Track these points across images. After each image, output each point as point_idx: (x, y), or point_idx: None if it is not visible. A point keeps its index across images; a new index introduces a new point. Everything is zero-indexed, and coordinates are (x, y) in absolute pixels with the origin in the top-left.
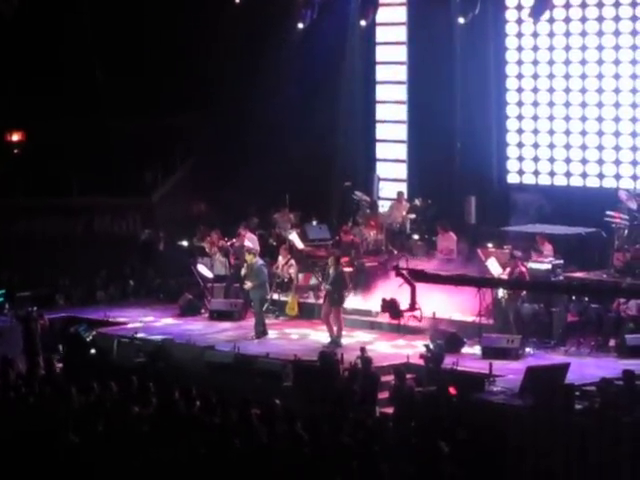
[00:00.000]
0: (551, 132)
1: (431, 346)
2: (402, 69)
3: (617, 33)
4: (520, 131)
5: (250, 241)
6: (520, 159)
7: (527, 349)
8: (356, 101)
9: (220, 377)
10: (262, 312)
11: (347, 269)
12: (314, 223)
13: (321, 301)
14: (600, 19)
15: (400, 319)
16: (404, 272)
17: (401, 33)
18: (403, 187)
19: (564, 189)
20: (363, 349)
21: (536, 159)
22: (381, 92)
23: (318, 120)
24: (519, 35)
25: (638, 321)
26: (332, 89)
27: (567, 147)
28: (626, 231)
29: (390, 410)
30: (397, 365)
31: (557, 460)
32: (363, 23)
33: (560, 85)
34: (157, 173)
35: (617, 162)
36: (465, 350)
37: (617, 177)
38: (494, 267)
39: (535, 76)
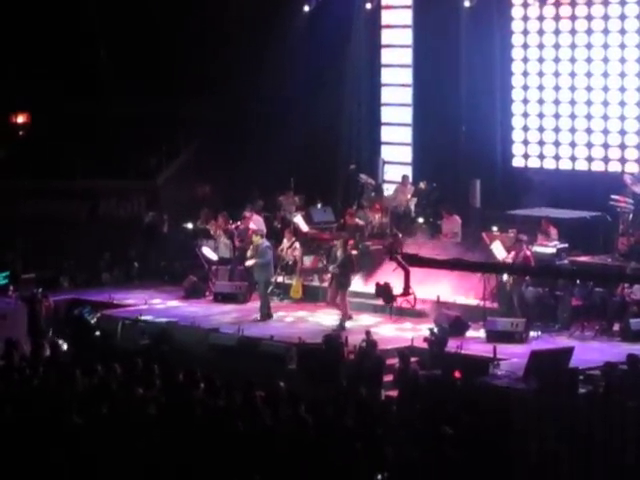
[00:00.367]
0: (556, 116)
1: (435, 330)
2: (407, 52)
3: (623, 17)
4: (525, 115)
5: (256, 223)
6: (525, 143)
7: (531, 333)
8: (361, 84)
9: (224, 360)
10: (267, 295)
11: (352, 252)
12: (319, 206)
13: (325, 284)
14: (606, 3)
15: (393, 303)
16: (398, 256)
17: (406, 16)
18: (408, 170)
19: (569, 173)
20: (368, 332)
21: (541, 143)
22: (386, 75)
23: (323, 103)
24: (525, 18)
25: None
26: (337, 72)
27: (572, 131)
28: (631, 215)
29: (394, 393)
30: (401, 348)
31: (561, 444)
32: (368, 6)
33: (566, 69)
34: (162, 156)
35: (622, 146)
36: (469, 334)
37: (622, 161)
38: (499, 251)
39: (540, 59)
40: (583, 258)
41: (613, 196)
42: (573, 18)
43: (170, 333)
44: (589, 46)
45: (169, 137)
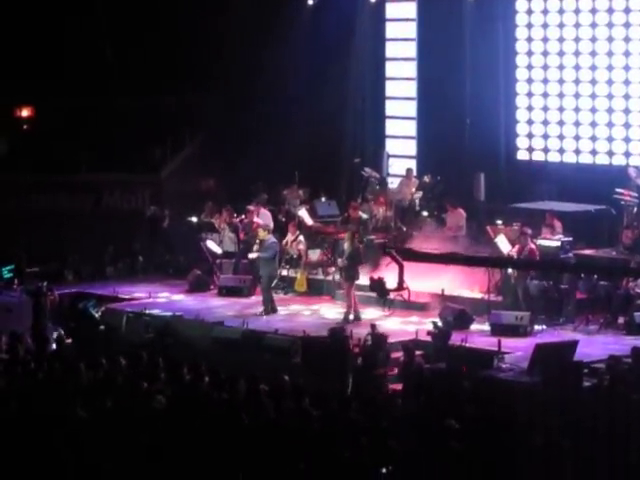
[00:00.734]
0: (561, 109)
1: (439, 323)
2: (412, 45)
3: (627, 10)
4: (530, 108)
5: (263, 217)
6: (529, 136)
7: (536, 326)
8: (366, 78)
9: (229, 353)
10: (270, 289)
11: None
12: (323, 199)
13: (330, 277)
14: None
15: (386, 298)
16: (392, 251)
17: (411, 9)
18: (412, 164)
19: (574, 166)
20: (374, 326)
21: (545, 136)
22: (391, 69)
23: (328, 97)
24: (529, 12)
25: None
26: (341, 66)
27: (576, 124)
28: (635, 208)
29: (399, 386)
30: (406, 342)
31: (566, 437)
32: None
33: (570, 62)
34: (166, 149)
35: (627, 139)
36: (474, 327)
37: (627, 154)
38: (503, 244)
39: (545, 53)
40: (588, 251)
41: (617, 189)
42: (577, 11)
43: (174, 327)
44: (593, 39)
45: (173, 130)
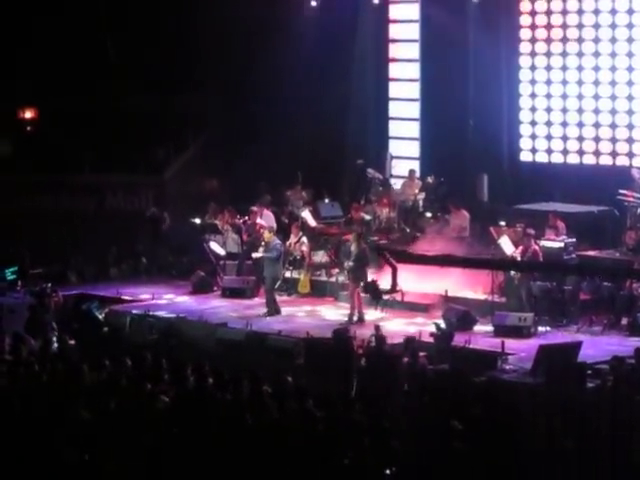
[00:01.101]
0: (564, 110)
1: (441, 324)
2: (414, 47)
3: (630, 11)
4: (533, 109)
5: (266, 218)
6: (533, 137)
7: (539, 327)
8: (369, 79)
9: (232, 354)
10: (272, 291)
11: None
12: (326, 201)
13: (333, 279)
14: None
15: (380, 301)
16: (386, 253)
17: (414, 11)
18: (415, 165)
19: (577, 167)
20: (377, 327)
21: (549, 137)
22: (393, 70)
23: (330, 98)
24: (532, 14)
25: None
26: (344, 67)
27: (580, 125)
28: (638, 209)
29: (403, 388)
30: (409, 343)
31: (570, 438)
32: (376, 1)
33: (573, 63)
34: (169, 150)
35: (630, 140)
36: (477, 328)
37: (630, 155)
38: (507, 245)
39: (548, 54)
40: (591, 252)
41: (621, 190)
42: (580, 12)
43: (178, 328)
44: (596, 40)
45: (176, 131)
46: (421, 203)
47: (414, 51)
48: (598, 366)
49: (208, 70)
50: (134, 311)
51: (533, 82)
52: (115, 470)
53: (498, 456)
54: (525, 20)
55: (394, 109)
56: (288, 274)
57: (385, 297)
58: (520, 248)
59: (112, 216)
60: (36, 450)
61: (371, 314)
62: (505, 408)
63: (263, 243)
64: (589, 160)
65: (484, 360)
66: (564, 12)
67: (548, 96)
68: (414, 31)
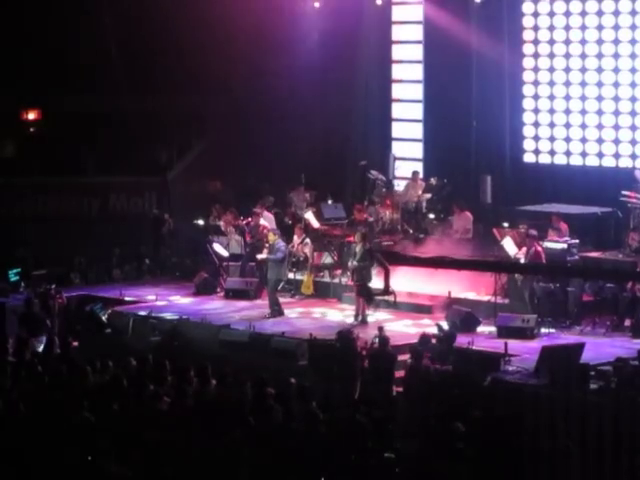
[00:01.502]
0: (567, 112)
1: (443, 326)
2: (418, 48)
3: (634, 12)
4: (536, 110)
5: (266, 220)
6: (536, 138)
7: (542, 329)
8: (372, 80)
9: (235, 356)
10: (276, 292)
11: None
12: (330, 202)
13: (336, 280)
14: None
15: (372, 303)
16: (378, 254)
17: (417, 12)
18: (419, 166)
19: (580, 169)
20: (381, 328)
21: (552, 139)
22: (397, 71)
23: (334, 99)
24: (535, 15)
25: None
26: (348, 68)
27: (583, 127)
28: None
29: (406, 389)
30: (413, 344)
31: (573, 440)
32: (379, 2)
33: (576, 64)
34: (172, 152)
35: (633, 142)
36: (480, 329)
37: (633, 157)
38: (510, 246)
39: (551, 55)
40: (594, 254)
41: (624, 192)
42: (583, 14)
43: (181, 329)
44: (600, 42)
45: (180, 133)
46: (424, 204)
47: (417, 52)
48: (601, 367)
49: (211, 72)
50: (138, 312)
51: (536, 84)
52: (118, 471)
53: (501, 458)
54: (528, 22)
55: (397, 110)
56: (291, 275)
57: (378, 298)
58: (523, 249)
59: (115, 218)
60: (39, 451)
61: (374, 316)
62: (508, 409)
63: (267, 245)
64: (592, 162)
65: (487, 361)
66: (567, 14)
67: (551, 97)
68: (417, 32)
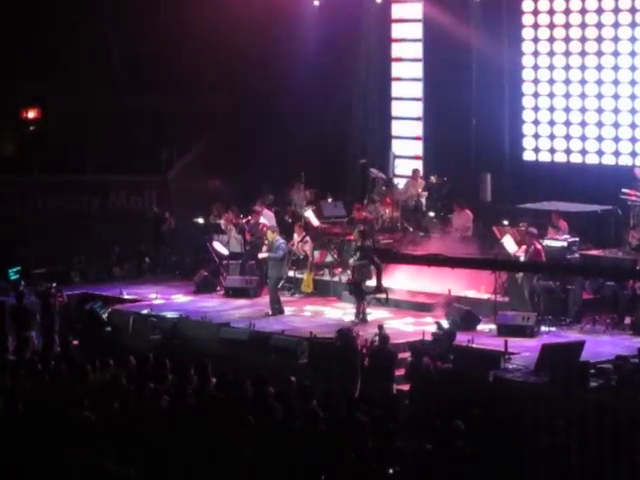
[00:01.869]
0: (567, 110)
1: (443, 324)
2: (418, 46)
3: (633, 10)
4: (536, 109)
5: (266, 218)
6: (536, 136)
7: (542, 327)
8: (372, 78)
9: (235, 354)
10: (276, 290)
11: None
12: (329, 200)
13: (336, 278)
14: None
15: (363, 301)
16: (371, 252)
17: (417, 10)
18: (419, 164)
19: (580, 167)
20: (381, 326)
21: (552, 136)
22: (397, 69)
23: (334, 97)
24: (535, 13)
25: None
26: (348, 66)
27: (583, 124)
28: None
29: (406, 387)
30: (413, 342)
31: (573, 438)
32: (379, 0)
33: (576, 62)
34: (173, 150)
35: (633, 140)
36: (480, 327)
37: (633, 155)
38: (509, 245)
39: (551, 53)
40: (594, 252)
41: (624, 189)
42: (583, 12)
43: (181, 328)
44: (599, 39)
45: (180, 131)
46: (424, 203)
47: (417, 50)
48: (601, 365)
49: (211, 70)
50: (138, 311)
51: (536, 81)
52: (118, 471)
53: (501, 456)
54: (528, 19)
55: (397, 108)
56: (291, 274)
57: (370, 296)
58: (523, 247)
59: (115, 216)
60: (39, 450)
61: (374, 314)
62: (508, 408)
63: (267, 243)
64: (592, 159)
65: (487, 360)
66: (567, 11)
67: (551, 95)
68: (417, 30)
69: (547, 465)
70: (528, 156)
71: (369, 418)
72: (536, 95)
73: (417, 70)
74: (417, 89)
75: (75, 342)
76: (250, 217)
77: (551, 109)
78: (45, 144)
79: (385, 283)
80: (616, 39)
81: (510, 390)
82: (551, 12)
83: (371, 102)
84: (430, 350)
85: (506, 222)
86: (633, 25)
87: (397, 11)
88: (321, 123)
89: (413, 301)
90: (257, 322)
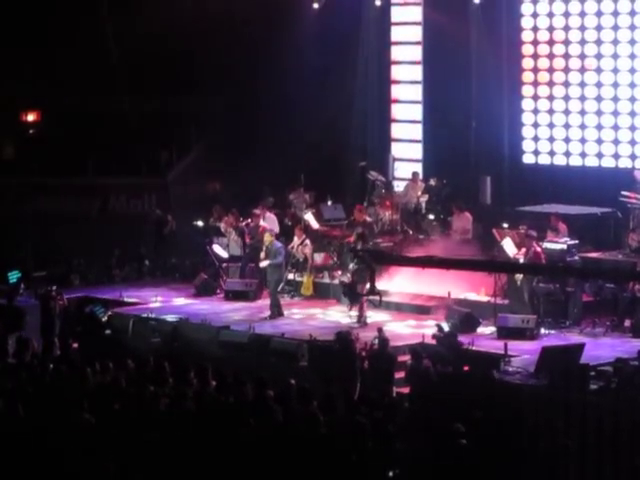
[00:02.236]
0: (567, 112)
1: (444, 326)
2: (417, 49)
3: (633, 13)
4: (535, 111)
5: (269, 221)
6: (535, 139)
7: (542, 329)
8: (371, 81)
9: (235, 357)
10: (277, 294)
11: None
12: (329, 203)
13: (336, 281)
14: None
15: (357, 303)
16: (363, 254)
17: (416, 13)
18: (418, 167)
19: (579, 169)
20: (380, 329)
21: (551, 139)
22: (396, 72)
23: (333, 100)
24: (534, 15)
25: None
26: (347, 69)
27: (582, 127)
28: None
29: (406, 390)
30: (413, 345)
31: (573, 440)
32: (378, 3)
33: (575, 65)
34: (172, 153)
35: (632, 142)
36: (480, 330)
37: (632, 157)
38: (509, 247)
39: (550, 56)
40: (594, 254)
41: (623, 192)
42: (582, 14)
43: (181, 330)
44: (599, 42)
45: (180, 134)
46: (424, 205)
47: (416, 53)
48: (601, 368)
49: (211, 73)
50: (137, 314)
51: (535, 84)
52: (118, 473)
53: (501, 458)
54: (527, 22)
55: (397, 111)
56: (291, 276)
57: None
58: (523, 250)
59: (115, 219)
60: (39, 453)
61: (374, 317)
62: (508, 410)
63: (265, 248)
64: (592, 162)
65: (487, 362)
66: (566, 14)
67: (550, 98)
68: (416, 33)
69: (547, 467)
70: (528, 159)
71: (369, 420)
72: (535, 98)
73: (417, 73)
74: (417, 92)
75: (75, 345)
76: (250, 220)
77: (550, 112)
78: (44, 147)
79: (385, 286)
80: (615, 42)
81: (510, 393)
82: (550, 15)
83: (371, 105)
84: (432, 352)
85: (506, 225)
86: (632, 28)
87: (397, 14)
88: (321, 126)
89: (413, 304)
90: (257, 325)
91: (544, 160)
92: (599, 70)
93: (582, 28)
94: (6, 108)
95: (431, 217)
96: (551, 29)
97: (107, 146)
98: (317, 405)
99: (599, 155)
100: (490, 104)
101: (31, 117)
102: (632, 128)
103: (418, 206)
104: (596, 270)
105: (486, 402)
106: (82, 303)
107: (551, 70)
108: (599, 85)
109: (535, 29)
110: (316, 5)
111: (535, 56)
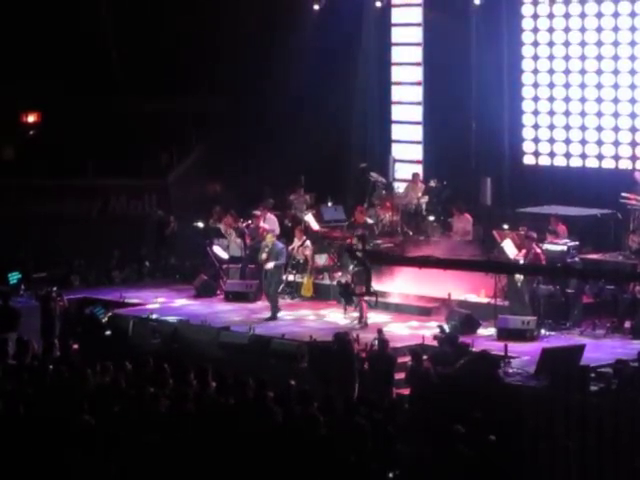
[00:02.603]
0: (567, 113)
1: (445, 327)
2: (417, 50)
3: (633, 14)
4: (536, 112)
5: (269, 222)
6: (536, 140)
7: (542, 330)
8: (372, 82)
9: (235, 358)
10: (276, 295)
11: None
12: (329, 204)
13: (336, 282)
14: (615, 0)
15: (352, 304)
16: (358, 254)
17: (417, 14)
18: (419, 168)
19: (580, 170)
20: (380, 330)
21: (552, 140)
22: (397, 73)
23: (334, 101)
24: (535, 16)
25: None
26: (347, 70)
27: (583, 128)
28: None
29: (406, 391)
30: (413, 346)
31: (573, 441)
32: (378, 4)
33: (576, 66)
34: (173, 154)
35: (633, 143)
36: (481, 331)
37: (633, 158)
38: (509, 248)
39: (551, 57)
40: (594, 256)
41: (623, 193)
42: (583, 15)
43: (181, 332)
44: (599, 44)
45: (180, 135)
46: (424, 207)
47: (417, 54)
48: (601, 369)
49: (211, 74)
50: (137, 315)
51: (536, 85)
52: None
53: (501, 459)
54: (527, 23)
55: (397, 112)
56: (291, 278)
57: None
58: (523, 251)
59: (115, 220)
60: (39, 454)
61: (374, 318)
62: (508, 411)
63: (267, 249)
64: (592, 163)
65: (488, 363)
66: (566, 15)
67: (550, 99)
68: (417, 34)
69: (547, 468)
70: (528, 160)
71: (369, 422)
72: (536, 99)
73: (417, 74)
74: (417, 93)
75: (75, 346)
76: (250, 221)
77: (551, 113)
78: (45, 148)
79: (385, 287)
80: (616, 43)
81: (510, 394)
82: (551, 16)
83: (371, 106)
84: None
85: (506, 226)
86: (633, 29)
87: (397, 15)
88: (321, 127)
89: (413, 305)
90: (257, 326)
91: (544, 161)
92: (599, 72)
93: (582, 29)
94: (6, 109)
95: (431, 218)
96: (551, 30)
97: (107, 147)
98: (317, 406)
99: (599, 156)
100: (490, 105)
101: (31, 118)
102: (632, 130)
103: (418, 207)
104: (596, 271)
105: (486, 403)
106: (82, 304)
107: (551, 72)
108: (599, 87)
109: (535, 30)
110: (317, 6)
111: (535, 57)
